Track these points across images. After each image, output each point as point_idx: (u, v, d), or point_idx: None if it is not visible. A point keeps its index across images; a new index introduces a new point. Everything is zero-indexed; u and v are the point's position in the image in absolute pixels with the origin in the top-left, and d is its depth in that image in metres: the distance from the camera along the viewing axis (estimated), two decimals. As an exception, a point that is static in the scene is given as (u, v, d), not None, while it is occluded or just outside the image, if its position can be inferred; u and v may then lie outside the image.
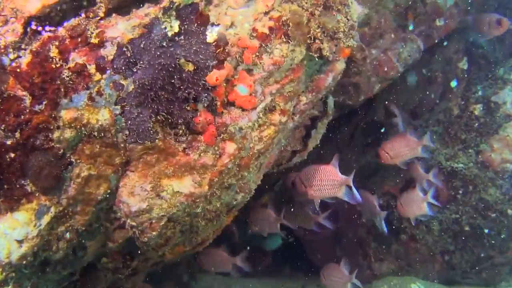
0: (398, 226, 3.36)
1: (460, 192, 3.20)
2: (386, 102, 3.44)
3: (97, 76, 1.61)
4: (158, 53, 1.62)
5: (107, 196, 1.78)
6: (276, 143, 2.10)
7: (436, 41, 3.41)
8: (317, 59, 1.94)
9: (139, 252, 2.09)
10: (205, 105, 1.72)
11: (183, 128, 1.77)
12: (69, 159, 1.68)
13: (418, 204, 2.83)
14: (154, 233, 1.88)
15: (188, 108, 1.72)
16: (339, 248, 3.65)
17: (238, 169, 1.90)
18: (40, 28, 1.59)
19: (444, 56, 3.64)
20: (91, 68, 1.60)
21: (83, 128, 1.63)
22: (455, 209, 3.23)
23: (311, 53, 1.87)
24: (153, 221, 1.85)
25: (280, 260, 4.25)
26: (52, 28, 1.61)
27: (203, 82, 1.69)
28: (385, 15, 3.06)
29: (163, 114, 1.70)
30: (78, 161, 1.70)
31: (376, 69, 3.00)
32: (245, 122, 1.80)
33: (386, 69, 2.98)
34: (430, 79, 3.57)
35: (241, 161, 1.88)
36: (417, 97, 3.60)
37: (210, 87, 1.71)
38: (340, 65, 2.28)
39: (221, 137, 1.81)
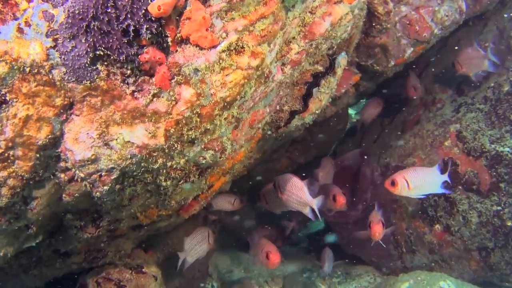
0: (432, 214, 2.78)
1: (505, 180, 2.55)
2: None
3: (24, 4, 1.36)
4: (88, -26, 1.33)
5: (51, 141, 1.54)
6: (254, 95, 1.73)
7: (486, 5, 2.77)
8: (296, -9, 1.54)
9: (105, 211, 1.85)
10: (148, 37, 1.40)
11: (129, 67, 1.48)
12: (3, 97, 1.46)
13: None
14: (105, 187, 1.61)
15: (134, 43, 1.43)
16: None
17: (199, 119, 1.56)
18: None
19: (497, 24, 2.95)
20: (18, -5, 1.37)
21: (13, 63, 1.40)
22: (497, 199, 2.57)
23: (284, -19, 1.47)
24: (102, 173, 1.58)
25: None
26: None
27: (144, 11, 1.38)
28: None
29: (102, 48, 1.42)
30: (15, 100, 1.46)
31: (407, 29, 2.47)
32: (201, 63, 1.45)
33: (417, 29, 2.44)
34: None
35: (201, 110, 1.54)
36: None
37: (153, 19, 1.39)
38: (342, 10, 1.84)
39: (175, 79, 1.49)
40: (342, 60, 2.14)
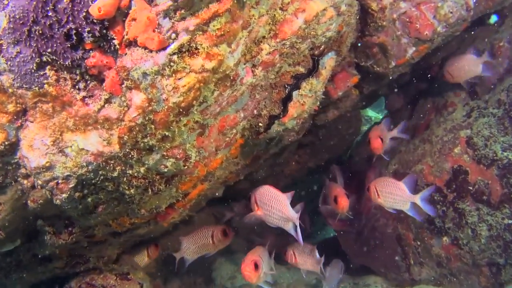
0: (440, 225, 2.51)
1: (517, 191, 2.22)
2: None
3: (-34, 9, 1.31)
4: (25, -24, 1.25)
5: (7, 147, 1.47)
6: (219, 99, 1.58)
7: (500, 0, 2.47)
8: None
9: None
10: (90, 41, 1.30)
11: (78, 72, 1.39)
12: (-44, 104, 1.41)
13: None
14: (64, 195, 1.52)
15: (79, 47, 1.34)
16: (373, 242, 2.91)
17: (153, 126, 1.44)
18: None
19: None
20: (-41, 0, 1.31)
21: (-39, 69, 1.35)
22: (508, 212, 2.25)
23: (236, -25, 1.32)
24: (59, 181, 1.49)
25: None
26: None
27: (85, 14, 1.28)
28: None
29: (47, 53, 1.33)
30: (-32, 106, 1.42)
31: (407, 27, 2.22)
32: (149, 66, 1.33)
33: (418, 26, 2.19)
34: (493, 51, 2.59)
35: (155, 116, 1.42)
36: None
37: (95, 21, 1.29)
38: (317, 5, 1.66)
39: (125, 84, 1.38)
40: (328, 60, 1.95)
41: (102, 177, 1.53)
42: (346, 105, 2.76)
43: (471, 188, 2.39)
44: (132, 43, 1.34)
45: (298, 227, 1.96)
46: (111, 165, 1.50)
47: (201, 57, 1.38)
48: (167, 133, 1.48)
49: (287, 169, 3.49)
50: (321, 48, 1.94)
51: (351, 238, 3.05)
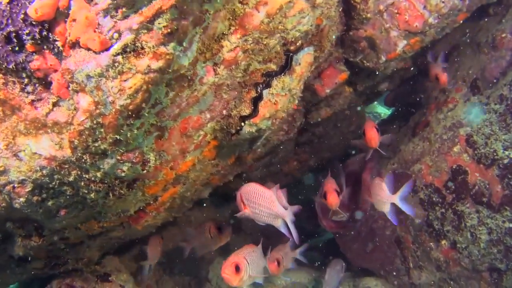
0: (439, 228, 2.35)
1: (519, 192, 2.02)
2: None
3: None
4: (-41, -22, 1.22)
5: (-38, 152, 1.46)
6: (177, 100, 1.51)
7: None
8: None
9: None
10: (30, 43, 1.26)
11: (25, 76, 1.35)
12: None
13: None
14: (22, 199, 1.50)
15: (22, 50, 1.30)
16: (372, 245, 2.76)
17: (103, 130, 1.39)
18: None
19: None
20: None
21: None
22: (509, 215, 2.07)
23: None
24: (15, 185, 1.47)
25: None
26: None
27: (23, 16, 1.23)
28: None
29: (-10, 57, 1.30)
30: None
31: (395, 19, 2.08)
32: (91, 68, 1.28)
33: (407, 18, 2.04)
34: (495, 43, 2.38)
35: (103, 120, 1.36)
36: (480, 65, 2.45)
37: (34, 23, 1.25)
38: (280, -1, 1.55)
39: (71, 87, 1.33)
40: (304, 56, 1.84)
41: (58, 181, 1.49)
42: (339, 102, 2.63)
43: (470, 189, 2.22)
44: (76, 45, 1.29)
45: (291, 224, 1.86)
46: (66, 169, 1.46)
47: (147, 57, 1.31)
48: (118, 137, 1.42)
49: (286, 168, 3.39)
50: (297, 44, 1.83)
51: (349, 239, 2.91)
